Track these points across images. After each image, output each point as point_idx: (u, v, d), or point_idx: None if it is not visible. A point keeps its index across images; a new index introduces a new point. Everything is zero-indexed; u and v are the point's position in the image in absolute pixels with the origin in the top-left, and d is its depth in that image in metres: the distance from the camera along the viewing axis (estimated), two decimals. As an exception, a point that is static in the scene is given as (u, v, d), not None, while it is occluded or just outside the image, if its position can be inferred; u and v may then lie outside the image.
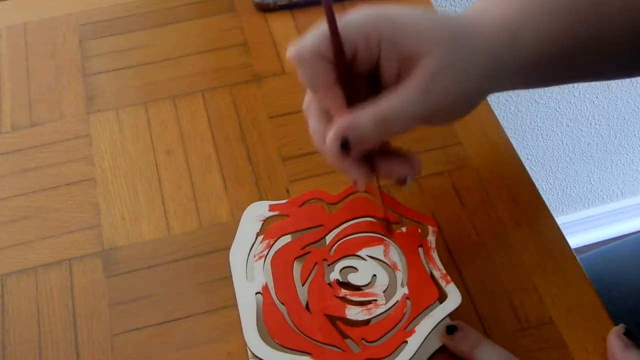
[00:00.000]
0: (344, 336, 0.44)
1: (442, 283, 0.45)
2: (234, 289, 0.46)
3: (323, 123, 0.42)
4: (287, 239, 0.48)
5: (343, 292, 0.45)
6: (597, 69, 0.48)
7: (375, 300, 0.45)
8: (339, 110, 0.41)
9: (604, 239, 1.48)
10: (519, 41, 0.42)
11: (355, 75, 0.41)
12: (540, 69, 0.45)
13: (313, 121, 0.43)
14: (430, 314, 0.44)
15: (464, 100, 0.43)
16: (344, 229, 0.48)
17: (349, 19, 0.40)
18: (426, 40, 0.40)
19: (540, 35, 0.43)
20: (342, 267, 0.46)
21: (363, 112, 0.40)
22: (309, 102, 0.43)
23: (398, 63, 0.40)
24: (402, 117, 0.40)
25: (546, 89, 1.17)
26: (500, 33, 0.42)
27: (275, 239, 0.47)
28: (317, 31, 0.40)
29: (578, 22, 0.44)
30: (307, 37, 0.40)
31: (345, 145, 0.40)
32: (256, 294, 0.45)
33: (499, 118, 0.58)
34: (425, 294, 0.45)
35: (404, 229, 0.47)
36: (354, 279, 0.46)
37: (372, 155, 0.43)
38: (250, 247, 0.47)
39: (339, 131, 0.40)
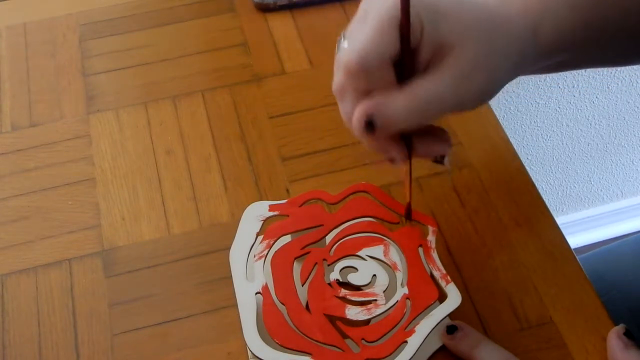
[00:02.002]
0: (344, 336, 0.44)
1: (442, 283, 0.45)
2: (234, 289, 0.46)
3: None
4: (287, 239, 0.48)
5: (343, 292, 0.45)
6: (619, 55, 0.48)
7: (375, 300, 0.45)
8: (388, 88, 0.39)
9: (604, 239, 1.48)
10: (539, 33, 0.42)
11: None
12: (562, 57, 0.45)
13: (347, 104, 0.41)
14: (430, 314, 0.44)
15: (495, 88, 0.42)
16: (344, 229, 0.48)
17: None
18: (466, 29, 0.39)
19: (559, 26, 0.43)
20: (342, 267, 0.46)
21: (394, 96, 0.38)
22: (342, 84, 0.41)
23: (433, 48, 0.39)
24: (435, 105, 0.39)
25: (546, 89, 1.17)
26: (523, 24, 0.42)
27: (275, 239, 0.47)
28: (370, 31, 0.38)
29: (597, 12, 0.44)
30: (363, 42, 0.38)
31: (370, 126, 0.39)
32: (256, 294, 0.45)
33: (499, 118, 0.58)
34: (425, 294, 0.45)
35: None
36: (354, 279, 0.46)
37: (409, 135, 0.42)
38: (250, 247, 0.47)
39: (365, 110, 0.39)
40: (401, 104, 0.38)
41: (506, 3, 0.43)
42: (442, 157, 0.43)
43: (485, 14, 0.41)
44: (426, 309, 0.44)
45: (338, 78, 0.41)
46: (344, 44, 0.40)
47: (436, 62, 0.39)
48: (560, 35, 0.43)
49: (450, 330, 0.45)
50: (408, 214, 0.47)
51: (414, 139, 0.42)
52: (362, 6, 0.41)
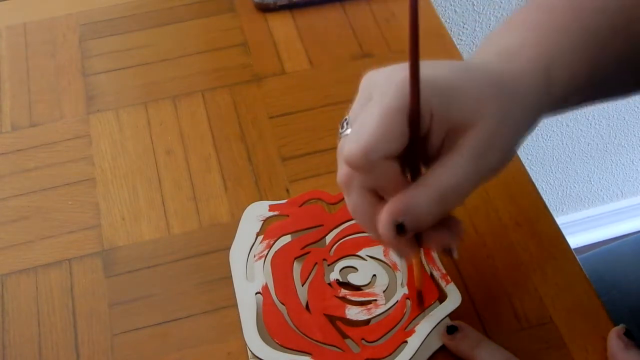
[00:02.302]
0: (344, 336, 0.44)
1: (442, 283, 0.45)
2: (234, 289, 0.46)
3: (368, 200, 0.38)
4: (287, 239, 0.48)
5: (343, 292, 0.45)
6: (626, 89, 0.47)
7: (375, 300, 0.45)
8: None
9: (604, 239, 1.48)
10: (552, 83, 0.40)
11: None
12: (575, 100, 0.44)
13: (356, 198, 0.39)
14: (430, 314, 0.44)
15: (515, 149, 0.40)
16: (344, 229, 0.48)
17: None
18: (479, 106, 0.37)
19: (570, 70, 0.41)
20: (342, 267, 0.47)
21: (418, 192, 0.36)
22: (349, 177, 0.39)
23: (446, 131, 0.37)
24: (460, 191, 0.37)
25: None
26: (535, 81, 0.40)
27: (275, 239, 0.47)
28: (376, 126, 0.35)
29: (604, 52, 0.42)
30: (369, 137, 0.35)
31: (400, 228, 0.36)
32: (256, 294, 0.45)
33: (499, 118, 0.58)
34: (425, 294, 0.45)
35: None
36: (354, 279, 0.46)
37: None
38: (250, 247, 0.47)
39: (394, 215, 0.36)
40: (425, 200, 0.36)
41: (511, 60, 0.40)
42: (451, 248, 0.41)
43: (494, 81, 0.38)
44: (426, 309, 0.44)
45: (343, 170, 0.39)
46: (347, 131, 0.38)
47: (449, 144, 0.37)
48: (573, 78, 0.41)
49: (451, 330, 0.45)
50: (420, 301, 0.45)
51: (425, 231, 0.39)
52: (364, 85, 0.39)
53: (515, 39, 0.42)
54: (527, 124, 0.40)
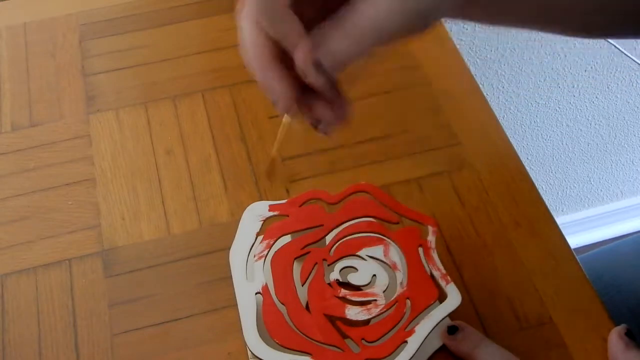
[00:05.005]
0: (344, 336, 0.44)
1: (442, 283, 0.45)
2: (234, 289, 0.46)
3: (261, 36, 0.37)
4: (287, 239, 0.48)
5: (343, 292, 0.45)
6: (549, 12, 0.44)
7: (375, 300, 0.45)
8: (296, 35, 0.36)
9: (604, 239, 1.48)
10: None
11: None
12: None
13: (250, 31, 0.38)
14: (430, 314, 0.44)
15: (433, 6, 0.37)
16: (344, 229, 0.48)
17: None
18: None
19: None
20: (342, 267, 0.46)
21: (335, 30, 0.35)
22: (245, 11, 0.38)
23: None
24: (380, 28, 0.35)
25: (546, 89, 1.17)
26: None
27: (275, 239, 0.47)
28: None
29: None
30: None
31: (319, 67, 0.35)
32: (256, 294, 0.45)
33: (499, 118, 0.58)
34: (425, 293, 0.45)
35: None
36: (353, 279, 0.46)
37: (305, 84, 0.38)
38: (250, 247, 0.47)
39: (312, 54, 0.35)
40: (343, 36, 0.35)
41: None
42: (318, 122, 0.39)
43: None
44: (426, 309, 0.44)
45: (241, 3, 0.38)
46: None
47: None
48: None
49: (451, 330, 0.45)
50: (270, 172, 0.43)
51: (308, 91, 0.38)
52: None
53: None
54: None
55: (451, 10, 0.39)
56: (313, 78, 0.36)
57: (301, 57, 0.36)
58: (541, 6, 0.43)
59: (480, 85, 0.60)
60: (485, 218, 0.52)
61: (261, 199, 0.53)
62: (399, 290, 0.45)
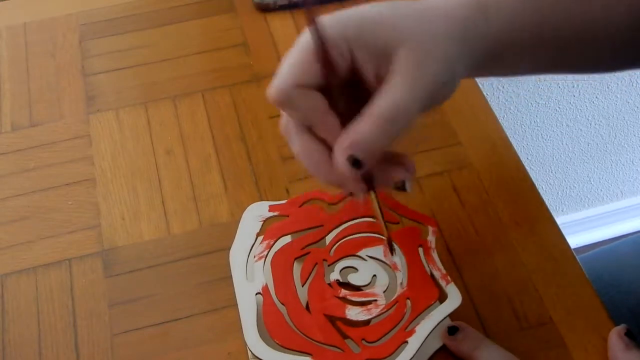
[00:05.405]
0: (344, 336, 0.44)
1: (442, 283, 0.45)
2: (234, 289, 0.46)
3: (307, 139, 0.40)
4: (287, 239, 0.48)
5: (343, 292, 0.45)
6: (570, 59, 0.46)
7: (375, 300, 0.45)
8: (337, 134, 0.38)
9: (604, 239, 1.48)
10: (489, 14, 0.40)
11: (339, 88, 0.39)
12: (510, 50, 0.43)
13: (295, 141, 0.40)
14: (431, 314, 0.44)
15: (453, 77, 0.40)
16: (344, 229, 0.48)
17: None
18: (395, 32, 0.38)
19: (511, 18, 0.41)
20: (342, 267, 0.46)
21: (362, 124, 0.37)
22: (286, 123, 0.41)
23: (374, 62, 0.38)
24: (402, 115, 0.37)
25: (546, 89, 1.17)
26: (466, 4, 0.40)
27: (275, 239, 0.47)
28: (290, 62, 0.38)
29: (551, 9, 0.42)
30: (283, 73, 0.38)
31: (356, 163, 0.37)
32: (256, 294, 0.45)
33: (499, 118, 0.58)
34: (425, 294, 0.45)
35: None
36: (354, 279, 0.46)
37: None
38: (250, 247, 0.47)
39: (346, 150, 0.37)
40: (372, 129, 0.37)
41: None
42: (403, 183, 0.42)
43: (417, 10, 0.39)
44: (426, 309, 0.44)
45: (281, 119, 0.41)
46: None
47: (384, 72, 0.38)
48: (513, 20, 0.41)
49: (452, 331, 0.45)
50: (391, 249, 0.46)
51: (373, 169, 0.40)
52: None
53: None
54: (457, 46, 0.40)
55: (468, 74, 0.42)
56: (352, 174, 0.38)
57: (336, 160, 0.38)
58: (556, 57, 0.45)
59: (480, 85, 0.60)
60: (485, 218, 0.52)
61: (261, 199, 0.53)
62: (399, 290, 0.45)
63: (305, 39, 0.38)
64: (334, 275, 0.46)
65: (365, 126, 0.37)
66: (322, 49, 0.37)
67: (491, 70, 0.45)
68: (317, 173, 0.41)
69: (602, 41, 0.44)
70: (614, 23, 0.43)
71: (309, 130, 0.40)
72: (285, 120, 0.41)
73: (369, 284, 0.46)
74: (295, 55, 0.38)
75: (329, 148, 0.39)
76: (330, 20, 0.38)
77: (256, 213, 0.49)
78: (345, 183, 0.41)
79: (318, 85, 0.38)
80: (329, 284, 0.46)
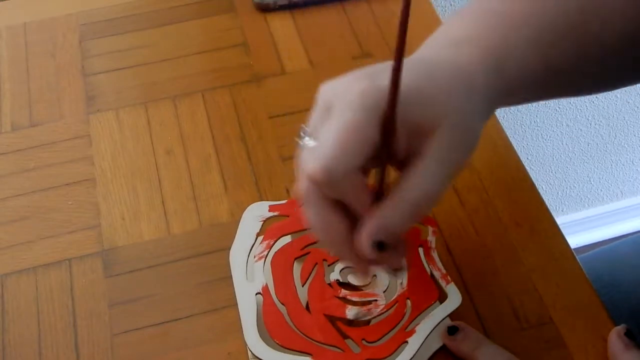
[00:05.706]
0: (344, 336, 0.44)
1: (442, 283, 0.45)
2: (234, 289, 0.46)
3: (327, 212, 0.38)
4: (287, 239, 0.48)
5: (343, 292, 0.45)
6: (574, 88, 0.48)
7: (376, 300, 0.45)
8: (367, 208, 0.37)
9: (604, 239, 1.48)
10: (505, 74, 0.41)
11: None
12: (526, 93, 0.45)
13: (316, 211, 0.38)
14: (431, 314, 0.44)
15: (476, 143, 0.40)
16: (344, 229, 0.48)
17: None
18: (433, 110, 0.37)
19: (522, 64, 0.42)
20: (342, 267, 0.46)
21: (391, 209, 0.37)
22: (309, 190, 0.38)
23: (407, 136, 0.37)
24: (433, 197, 0.37)
25: (546, 89, 1.17)
26: (484, 71, 0.40)
27: (275, 239, 0.47)
28: (342, 141, 0.35)
29: (557, 51, 0.43)
30: (334, 154, 0.35)
31: (380, 246, 0.37)
32: (256, 294, 0.45)
33: (499, 118, 0.58)
34: (425, 294, 0.45)
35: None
36: (354, 279, 0.46)
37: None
38: (250, 247, 0.47)
39: (372, 236, 0.37)
40: (401, 215, 0.37)
41: (460, 53, 0.40)
42: (398, 269, 0.44)
43: (451, 78, 0.39)
44: (426, 309, 0.44)
45: (303, 183, 0.38)
46: (307, 142, 0.38)
47: (415, 146, 0.37)
48: (523, 72, 0.42)
49: (452, 331, 0.45)
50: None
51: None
52: (322, 96, 0.38)
53: (468, 31, 0.42)
54: (485, 114, 0.40)
55: (487, 118, 0.42)
56: (373, 256, 0.38)
57: (361, 242, 0.37)
58: (564, 86, 0.47)
59: (480, 85, 0.60)
60: (485, 218, 0.52)
61: (261, 199, 0.53)
62: (399, 290, 0.45)
63: (349, 108, 0.36)
64: (334, 275, 0.46)
65: (395, 212, 0.37)
66: (390, 123, 0.35)
67: (499, 106, 0.45)
68: (331, 246, 0.40)
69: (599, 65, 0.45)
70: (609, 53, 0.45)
71: (331, 202, 0.38)
72: (307, 187, 0.38)
73: (369, 284, 0.46)
74: (341, 130, 0.35)
75: (348, 220, 0.38)
76: (365, 89, 0.36)
77: (256, 213, 0.49)
78: (350, 261, 0.40)
79: (360, 165, 0.36)
80: (329, 284, 0.46)
